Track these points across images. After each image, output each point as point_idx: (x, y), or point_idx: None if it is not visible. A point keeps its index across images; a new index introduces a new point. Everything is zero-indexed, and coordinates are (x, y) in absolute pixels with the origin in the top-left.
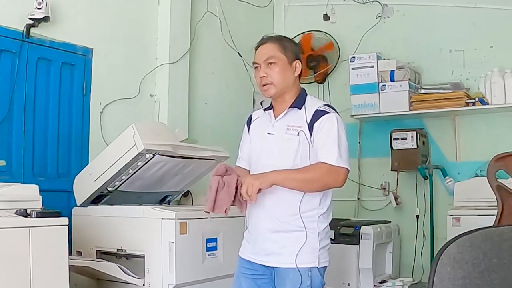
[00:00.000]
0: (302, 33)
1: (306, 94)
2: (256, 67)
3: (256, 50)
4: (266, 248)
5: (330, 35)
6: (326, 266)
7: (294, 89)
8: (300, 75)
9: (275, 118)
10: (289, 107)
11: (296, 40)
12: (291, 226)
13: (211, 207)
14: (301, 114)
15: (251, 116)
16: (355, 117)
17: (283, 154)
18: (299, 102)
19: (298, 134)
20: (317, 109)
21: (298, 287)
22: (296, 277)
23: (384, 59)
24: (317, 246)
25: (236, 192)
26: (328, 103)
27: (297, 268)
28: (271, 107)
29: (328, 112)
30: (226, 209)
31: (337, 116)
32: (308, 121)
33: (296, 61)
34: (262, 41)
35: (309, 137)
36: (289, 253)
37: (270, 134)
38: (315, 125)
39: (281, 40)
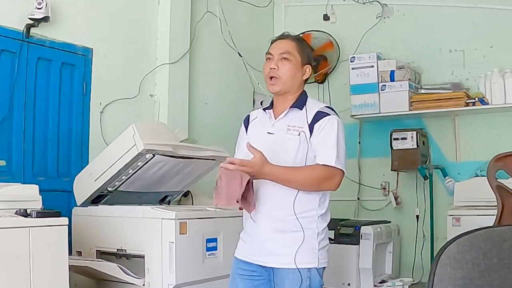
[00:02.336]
0: (302, 33)
1: (307, 96)
2: (268, 58)
3: (272, 42)
4: (265, 248)
5: (330, 35)
6: (325, 267)
7: (298, 91)
8: (306, 80)
9: (275, 118)
10: (290, 107)
11: None
12: (289, 227)
13: (222, 199)
14: (302, 115)
15: (248, 116)
16: (355, 117)
17: (282, 154)
18: (300, 102)
19: (299, 135)
20: (319, 111)
21: None
22: (296, 278)
23: (384, 59)
24: (317, 247)
25: (248, 187)
26: (329, 105)
27: (297, 268)
28: (271, 106)
29: (329, 114)
30: (237, 201)
31: (338, 119)
32: (309, 122)
33: (308, 65)
34: (282, 36)
35: (309, 138)
36: (289, 253)
37: (270, 133)
38: (316, 126)
39: (300, 40)
